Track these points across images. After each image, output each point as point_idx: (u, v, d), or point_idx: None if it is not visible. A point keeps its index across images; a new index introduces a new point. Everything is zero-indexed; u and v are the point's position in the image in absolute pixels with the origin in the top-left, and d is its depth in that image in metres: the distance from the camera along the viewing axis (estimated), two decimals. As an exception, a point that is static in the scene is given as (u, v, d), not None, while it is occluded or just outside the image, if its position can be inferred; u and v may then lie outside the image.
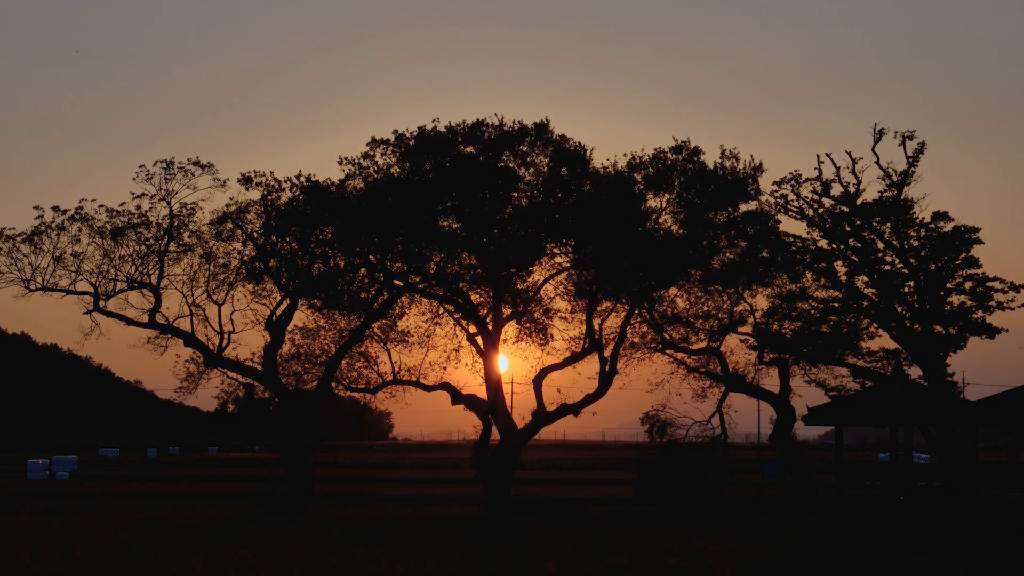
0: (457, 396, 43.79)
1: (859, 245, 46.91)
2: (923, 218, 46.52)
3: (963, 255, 46.22)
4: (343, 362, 43.54)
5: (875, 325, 47.28)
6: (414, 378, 44.36)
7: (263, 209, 41.94)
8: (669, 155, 42.91)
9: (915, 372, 47.33)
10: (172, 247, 42.03)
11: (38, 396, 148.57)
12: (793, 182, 47.09)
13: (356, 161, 42.15)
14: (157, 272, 41.97)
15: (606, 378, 43.95)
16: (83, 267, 41.60)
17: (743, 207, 44.10)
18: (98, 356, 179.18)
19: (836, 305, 47.16)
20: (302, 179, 41.93)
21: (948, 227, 46.39)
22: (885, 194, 46.68)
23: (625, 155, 42.91)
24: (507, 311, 43.19)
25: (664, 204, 43.18)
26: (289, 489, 40.81)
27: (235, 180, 41.79)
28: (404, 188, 40.91)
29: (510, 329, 43.86)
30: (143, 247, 41.82)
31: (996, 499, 45.92)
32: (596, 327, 44.03)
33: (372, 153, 42.15)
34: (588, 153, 42.19)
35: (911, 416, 48.01)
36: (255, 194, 41.97)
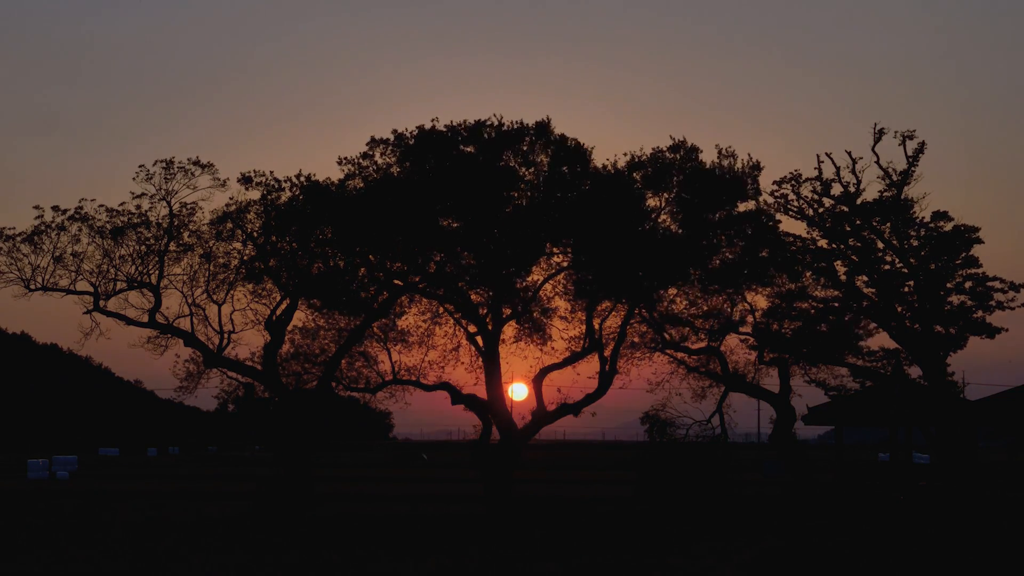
0: (457, 396, 43.82)
1: (859, 245, 46.88)
2: (923, 218, 46.49)
3: (963, 255, 46.18)
4: (343, 362, 43.55)
5: (875, 325, 47.28)
6: (414, 378, 44.37)
7: (263, 209, 41.95)
8: (667, 154, 42.91)
9: (915, 372, 47.32)
10: (172, 247, 42.04)
11: (38, 396, 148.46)
12: (793, 182, 47.06)
13: (356, 161, 42.15)
14: (157, 272, 41.98)
15: (606, 378, 43.96)
16: (83, 267, 41.63)
17: (742, 206, 44.10)
18: (98, 356, 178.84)
19: (836, 305, 47.14)
20: (302, 179, 41.95)
21: (948, 227, 46.36)
22: (885, 194, 46.64)
23: (625, 154, 42.96)
24: (507, 311, 43.19)
25: (663, 203, 43.19)
26: (289, 489, 40.82)
27: (235, 180, 41.85)
28: (404, 188, 40.90)
29: (510, 329, 43.88)
30: (143, 247, 41.83)
31: (996, 499, 45.89)
32: (596, 327, 44.03)
33: (372, 153, 42.15)
34: (589, 152, 42.22)
35: (911, 416, 48.00)
36: (255, 194, 42.01)
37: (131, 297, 42.31)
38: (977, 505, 42.37)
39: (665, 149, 42.87)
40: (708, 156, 43.39)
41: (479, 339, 42.97)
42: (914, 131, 46.08)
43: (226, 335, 42.76)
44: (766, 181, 49.02)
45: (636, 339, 45.66)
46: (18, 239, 41.13)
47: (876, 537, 28.76)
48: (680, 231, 43.08)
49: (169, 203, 41.68)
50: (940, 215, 46.55)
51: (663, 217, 43.30)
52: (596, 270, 42.23)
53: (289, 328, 43.24)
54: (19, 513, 38.89)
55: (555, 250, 43.30)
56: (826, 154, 46.79)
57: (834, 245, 47.21)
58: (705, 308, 45.86)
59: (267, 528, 31.91)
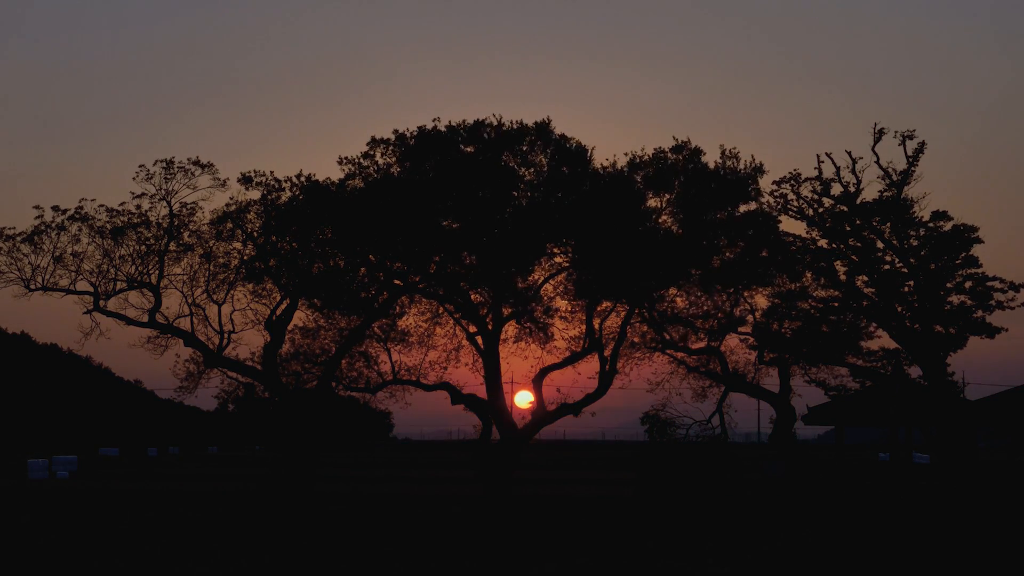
0: (457, 396, 43.86)
1: (859, 245, 46.91)
2: (923, 218, 46.55)
3: (963, 255, 46.23)
4: (343, 362, 43.59)
5: (875, 325, 47.31)
6: (414, 378, 44.42)
7: (263, 209, 42.03)
8: (669, 155, 42.98)
9: (915, 372, 47.35)
10: (172, 247, 42.12)
11: (38, 396, 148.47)
12: (793, 182, 47.12)
13: (356, 161, 42.22)
14: (157, 272, 42.05)
15: (606, 378, 43.99)
16: (83, 267, 41.73)
17: (743, 207, 44.17)
18: (98, 356, 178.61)
19: (836, 305, 47.18)
20: (302, 179, 42.03)
21: (948, 227, 46.40)
22: (885, 194, 46.68)
23: (626, 155, 43.07)
24: (507, 311, 43.23)
25: (664, 204, 43.23)
26: (289, 489, 40.84)
27: (235, 180, 41.95)
28: (404, 188, 40.95)
29: (510, 329, 43.92)
30: (143, 247, 41.91)
31: (996, 499, 45.88)
32: (596, 327, 44.08)
33: (372, 153, 42.21)
34: (589, 153, 42.27)
35: (911, 416, 48.02)
36: (255, 194, 42.14)
37: (131, 297, 42.44)
38: (977, 505, 42.39)
39: (667, 150, 42.96)
40: (710, 157, 43.52)
41: (479, 339, 43.00)
42: (914, 131, 46.19)
43: (226, 335, 42.85)
44: (766, 181, 49.12)
45: (636, 339, 45.74)
46: (18, 239, 41.20)
47: (876, 537, 28.77)
48: (681, 231, 43.13)
49: (169, 203, 41.78)
50: (940, 215, 46.59)
51: (664, 217, 43.35)
52: (596, 270, 42.28)
53: (289, 328, 43.30)
54: (19, 513, 38.90)
55: (555, 250, 43.35)
56: (826, 154, 46.91)
57: (834, 245, 47.25)
58: (705, 308, 45.93)
59: (267, 528, 31.92)
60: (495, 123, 41.83)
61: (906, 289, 46.76)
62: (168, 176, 41.48)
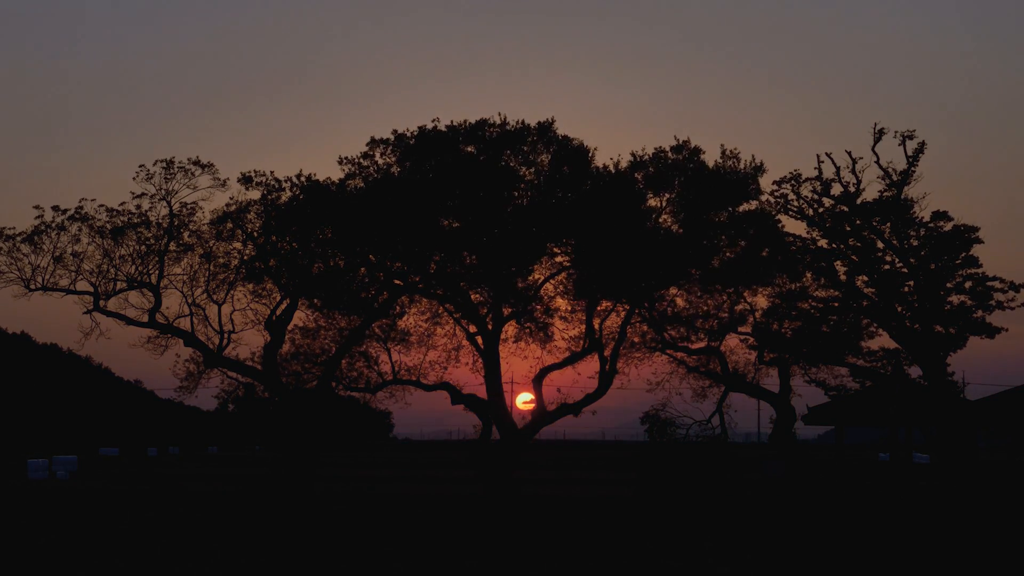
0: (457, 396, 43.88)
1: (859, 245, 46.94)
2: (923, 218, 46.59)
3: (963, 255, 46.27)
4: (343, 362, 43.64)
5: (875, 325, 47.33)
6: (414, 378, 44.44)
7: (263, 209, 42.07)
8: (670, 155, 43.01)
9: (915, 372, 47.38)
10: (172, 247, 42.17)
11: (38, 396, 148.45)
12: (793, 182, 47.15)
13: (356, 161, 42.25)
14: (157, 272, 42.09)
15: (606, 378, 44.01)
16: (83, 267, 41.80)
17: (743, 207, 44.20)
18: (98, 356, 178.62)
19: (836, 305, 47.21)
20: (302, 179, 42.06)
21: (948, 227, 46.43)
22: (885, 194, 46.71)
23: (630, 155, 43.11)
24: (507, 311, 43.25)
25: (664, 204, 43.25)
26: (289, 488, 40.83)
27: (235, 180, 42.01)
28: (404, 188, 40.97)
29: (510, 329, 43.95)
30: (143, 247, 41.97)
31: (995, 499, 45.85)
32: (596, 327, 44.10)
33: (372, 153, 42.24)
34: (590, 153, 42.30)
35: (911, 416, 48.01)
36: (255, 194, 42.20)
37: (131, 297, 42.53)
38: (977, 505, 42.39)
39: (668, 149, 43.00)
40: (710, 157, 43.57)
41: (479, 339, 43.02)
42: (914, 131, 46.24)
43: (226, 335, 42.90)
44: (766, 181, 49.21)
45: (636, 339, 45.78)
46: (18, 239, 41.25)
47: (876, 537, 28.77)
48: (681, 231, 43.15)
49: (169, 203, 41.83)
50: (940, 215, 46.62)
51: (664, 217, 43.37)
52: (597, 270, 42.32)
53: (289, 328, 43.36)
54: (19, 513, 38.90)
55: (556, 250, 43.39)
56: (826, 154, 46.95)
57: (834, 245, 47.28)
58: (705, 308, 45.97)
59: (267, 528, 31.93)
60: (499, 122, 41.86)
61: (906, 289, 46.78)
62: (168, 176, 41.56)
